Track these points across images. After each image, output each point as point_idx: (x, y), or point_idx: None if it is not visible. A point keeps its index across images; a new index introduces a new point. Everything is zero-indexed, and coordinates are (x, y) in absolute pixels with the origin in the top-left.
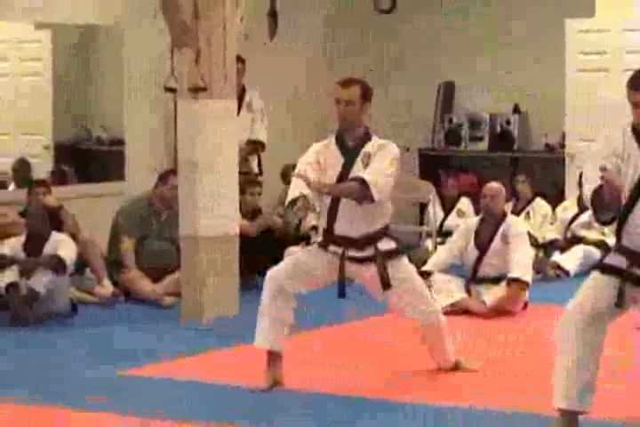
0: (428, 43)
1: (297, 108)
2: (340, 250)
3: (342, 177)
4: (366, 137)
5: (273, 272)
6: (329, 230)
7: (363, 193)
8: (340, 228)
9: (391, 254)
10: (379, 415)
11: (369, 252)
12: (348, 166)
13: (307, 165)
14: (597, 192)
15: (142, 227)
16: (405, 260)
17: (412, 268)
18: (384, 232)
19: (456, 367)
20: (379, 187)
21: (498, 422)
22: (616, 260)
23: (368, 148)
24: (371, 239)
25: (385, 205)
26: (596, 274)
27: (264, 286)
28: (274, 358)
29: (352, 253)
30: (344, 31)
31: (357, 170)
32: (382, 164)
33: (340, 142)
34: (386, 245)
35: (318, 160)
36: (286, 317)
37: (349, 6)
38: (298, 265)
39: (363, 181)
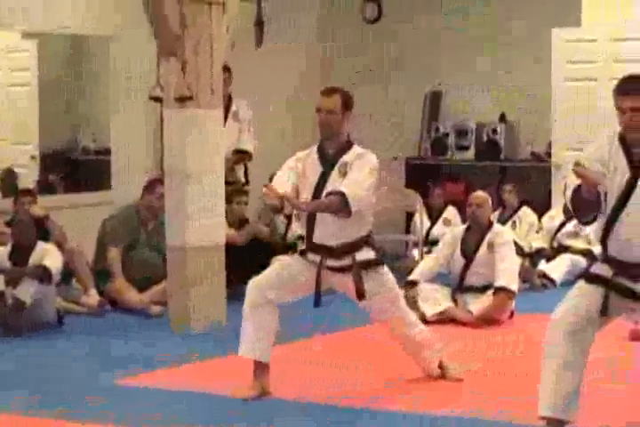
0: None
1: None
2: (318, 258)
3: (319, 186)
4: (347, 146)
5: (256, 282)
6: (308, 239)
7: (341, 206)
8: (319, 236)
9: (369, 265)
10: (378, 417)
11: (347, 261)
12: (325, 175)
13: (288, 169)
14: (576, 191)
15: (129, 236)
16: (385, 270)
17: (391, 279)
18: (364, 242)
19: (442, 375)
20: (357, 199)
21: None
22: (601, 269)
23: (347, 157)
24: (349, 249)
25: (364, 215)
26: (581, 283)
27: (246, 295)
28: (261, 367)
29: (330, 262)
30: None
31: (334, 179)
32: (360, 174)
33: (321, 151)
34: (364, 254)
35: (298, 166)
36: (271, 325)
37: (339, 16)
38: (280, 274)
39: (342, 195)
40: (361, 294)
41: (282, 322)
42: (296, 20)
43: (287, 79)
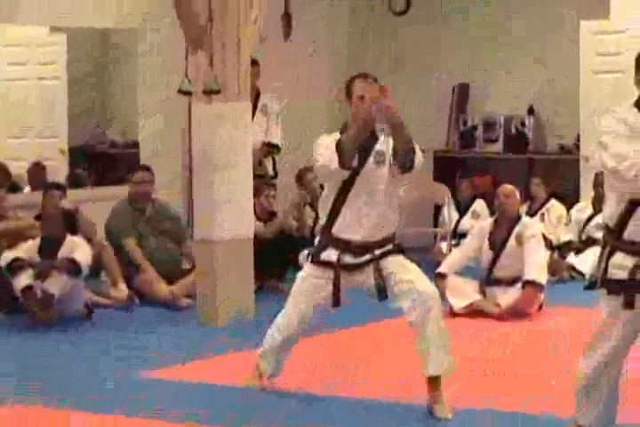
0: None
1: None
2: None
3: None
4: None
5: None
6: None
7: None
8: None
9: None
10: (398, 409)
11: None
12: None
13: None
14: None
15: (133, 226)
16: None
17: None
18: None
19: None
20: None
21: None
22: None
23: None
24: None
25: (395, 213)
26: (604, 300)
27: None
28: None
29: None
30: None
31: None
32: None
33: None
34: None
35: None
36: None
37: (365, 7)
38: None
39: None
40: (382, 295)
41: None
42: (323, 12)
43: (315, 70)
